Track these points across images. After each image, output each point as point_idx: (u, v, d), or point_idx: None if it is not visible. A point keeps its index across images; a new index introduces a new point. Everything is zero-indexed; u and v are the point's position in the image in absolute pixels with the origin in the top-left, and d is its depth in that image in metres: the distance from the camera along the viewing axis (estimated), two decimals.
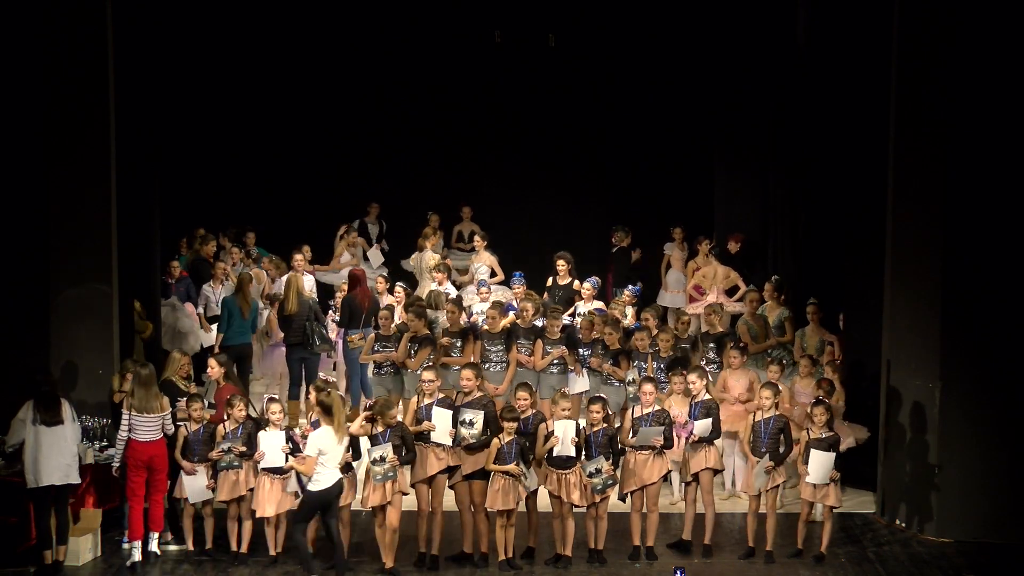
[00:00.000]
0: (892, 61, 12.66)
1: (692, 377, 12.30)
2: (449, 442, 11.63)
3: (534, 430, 11.72)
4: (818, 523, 12.10)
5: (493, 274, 17.91)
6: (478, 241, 18.36)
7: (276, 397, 12.29)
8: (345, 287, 16.31)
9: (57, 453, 11.33)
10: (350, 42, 20.39)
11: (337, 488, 11.30)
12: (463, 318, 14.85)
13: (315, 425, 11.59)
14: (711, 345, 14.28)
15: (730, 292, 17.50)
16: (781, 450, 11.89)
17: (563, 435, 11.57)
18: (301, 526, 11.32)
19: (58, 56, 12.38)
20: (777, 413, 11.99)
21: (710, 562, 11.90)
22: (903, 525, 12.72)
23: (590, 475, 11.60)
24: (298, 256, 16.41)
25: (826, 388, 12.89)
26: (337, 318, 16.08)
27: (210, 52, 19.43)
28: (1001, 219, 12.28)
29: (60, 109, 12.42)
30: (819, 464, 11.70)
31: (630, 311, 15.77)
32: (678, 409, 13.06)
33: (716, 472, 12.30)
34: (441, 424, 11.65)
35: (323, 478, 11.22)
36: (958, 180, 12.31)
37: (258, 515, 11.76)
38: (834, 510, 11.94)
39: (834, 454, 11.75)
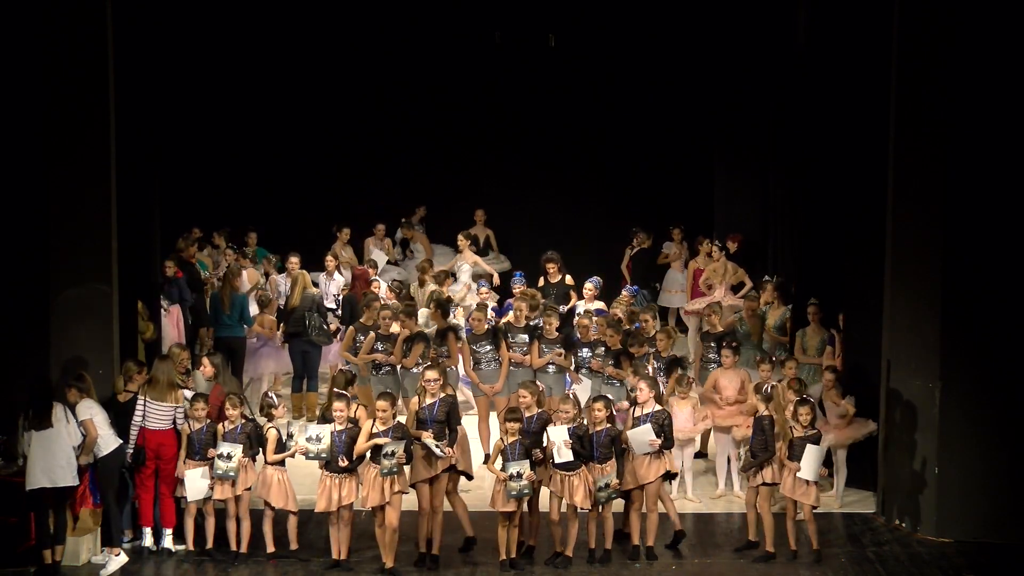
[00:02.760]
0: (892, 61, 12.66)
1: (641, 384, 12.03)
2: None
3: (538, 429, 11.70)
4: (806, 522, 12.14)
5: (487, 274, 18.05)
6: (461, 240, 18.38)
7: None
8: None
9: (47, 456, 11.34)
10: (350, 42, 20.41)
11: (123, 450, 11.72)
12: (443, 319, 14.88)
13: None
14: (711, 344, 14.29)
15: (737, 289, 17.55)
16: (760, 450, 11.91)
17: (556, 441, 11.57)
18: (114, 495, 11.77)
19: (58, 56, 12.37)
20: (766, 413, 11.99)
21: (710, 562, 11.90)
22: (903, 525, 12.72)
23: (599, 489, 11.62)
24: (294, 259, 16.58)
25: (796, 387, 12.85)
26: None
27: (210, 52, 19.45)
28: (1001, 219, 12.27)
29: (60, 109, 12.40)
30: (812, 459, 11.70)
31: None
32: (677, 408, 13.12)
33: (672, 477, 12.18)
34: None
35: (109, 442, 11.66)
36: (958, 180, 12.30)
37: (294, 511, 11.83)
38: (815, 509, 11.92)
39: (825, 448, 11.73)
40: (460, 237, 18.51)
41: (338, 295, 16.95)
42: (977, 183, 12.26)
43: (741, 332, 15.14)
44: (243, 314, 15.85)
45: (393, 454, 11.30)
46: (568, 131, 21.04)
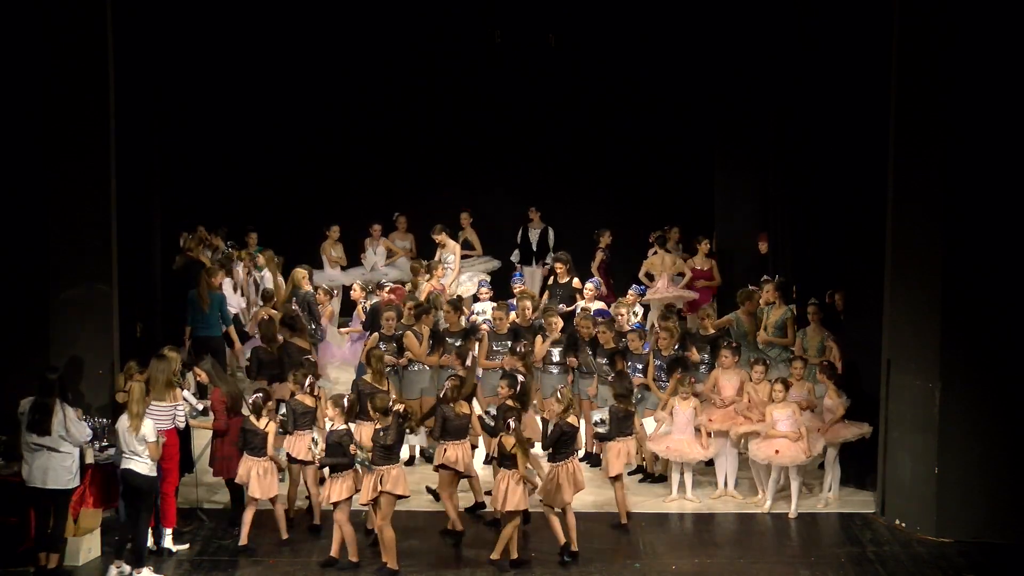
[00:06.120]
0: (892, 61, 12.66)
1: (551, 403, 11.98)
2: None
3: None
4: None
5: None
6: (441, 235, 18.35)
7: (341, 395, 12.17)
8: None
9: (40, 457, 11.32)
10: (349, 42, 20.39)
11: (132, 477, 11.26)
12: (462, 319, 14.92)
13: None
14: (704, 346, 14.34)
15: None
16: None
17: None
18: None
19: (58, 56, 12.38)
20: None
21: (710, 562, 11.91)
22: (903, 525, 12.72)
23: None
24: (260, 257, 16.92)
25: (779, 388, 12.90)
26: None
27: (211, 52, 19.43)
28: (1001, 219, 12.27)
29: (60, 109, 12.42)
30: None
31: (638, 310, 15.90)
32: (679, 408, 13.14)
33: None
34: None
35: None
36: (958, 180, 12.30)
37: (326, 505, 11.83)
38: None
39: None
40: (437, 229, 18.45)
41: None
42: (977, 183, 12.26)
43: (737, 332, 15.15)
44: (222, 313, 15.73)
45: (361, 447, 11.39)
46: (568, 131, 21.04)
